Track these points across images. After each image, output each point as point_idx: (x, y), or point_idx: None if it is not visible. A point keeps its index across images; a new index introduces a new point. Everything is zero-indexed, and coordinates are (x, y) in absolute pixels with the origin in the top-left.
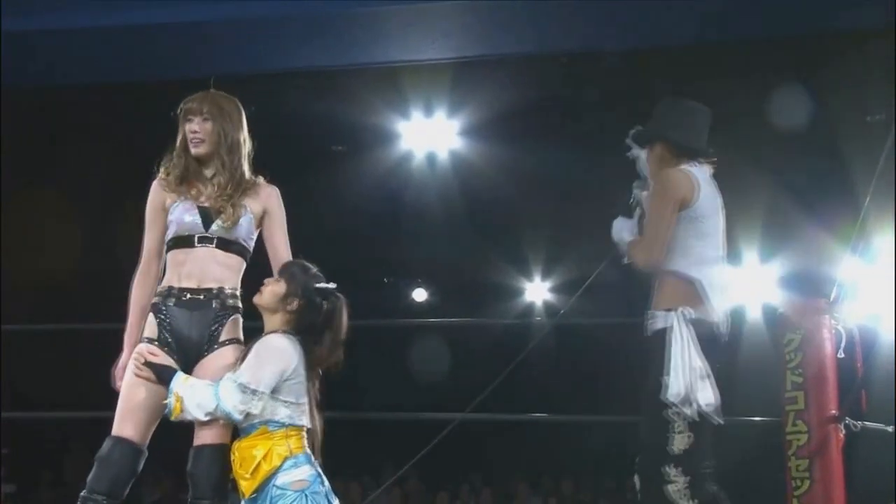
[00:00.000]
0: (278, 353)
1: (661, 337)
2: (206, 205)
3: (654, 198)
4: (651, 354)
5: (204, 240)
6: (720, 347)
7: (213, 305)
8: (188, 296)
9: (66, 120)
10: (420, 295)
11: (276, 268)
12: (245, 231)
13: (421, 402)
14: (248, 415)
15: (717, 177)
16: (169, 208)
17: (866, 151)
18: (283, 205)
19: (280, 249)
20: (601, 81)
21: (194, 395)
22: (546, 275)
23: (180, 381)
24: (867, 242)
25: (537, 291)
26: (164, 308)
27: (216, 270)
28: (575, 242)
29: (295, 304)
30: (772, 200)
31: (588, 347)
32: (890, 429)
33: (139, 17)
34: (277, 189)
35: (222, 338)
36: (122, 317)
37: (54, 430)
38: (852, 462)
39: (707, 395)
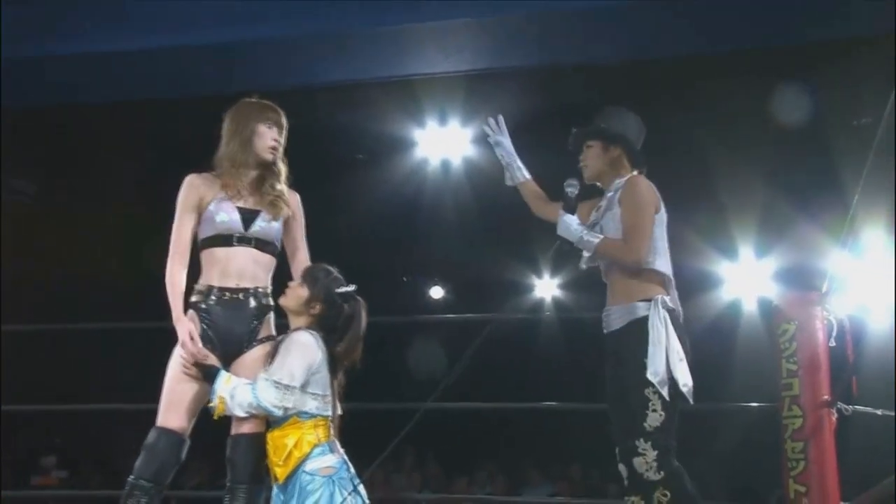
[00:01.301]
0: (305, 348)
1: (643, 324)
2: (247, 205)
3: (634, 201)
4: (631, 341)
5: (242, 240)
6: (684, 332)
7: (251, 304)
8: (228, 295)
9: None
10: (437, 292)
11: (294, 268)
12: (278, 233)
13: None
14: (284, 408)
15: (715, 175)
16: (206, 205)
17: (855, 152)
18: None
19: (301, 251)
20: (604, 90)
21: (236, 396)
22: (554, 274)
23: (223, 383)
24: (856, 237)
25: (546, 288)
26: (205, 306)
27: (253, 270)
28: (565, 248)
29: (317, 308)
30: (767, 199)
31: (593, 340)
32: (879, 412)
33: (174, 39)
34: (298, 195)
35: (260, 335)
36: (155, 316)
37: (101, 421)
38: (844, 444)
39: (684, 377)
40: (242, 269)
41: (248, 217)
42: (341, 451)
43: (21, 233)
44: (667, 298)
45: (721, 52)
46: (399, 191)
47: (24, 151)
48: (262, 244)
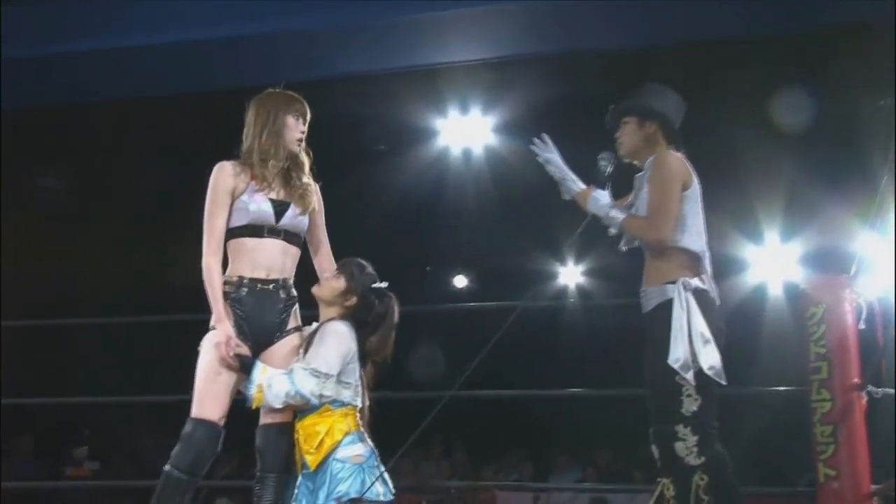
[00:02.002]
0: (341, 337)
1: (668, 307)
2: (277, 197)
3: (660, 177)
4: (658, 325)
5: (273, 231)
6: (718, 312)
7: (281, 295)
8: (259, 286)
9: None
10: (461, 281)
11: (319, 259)
12: (305, 225)
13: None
14: (321, 396)
15: (741, 158)
16: (238, 194)
17: (883, 132)
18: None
19: (325, 243)
20: (626, 76)
21: (273, 386)
22: (578, 259)
23: (259, 373)
24: (885, 218)
25: (570, 275)
26: (236, 297)
27: (282, 261)
28: (604, 229)
29: (352, 301)
30: (793, 181)
31: (616, 326)
32: None
33: (194, 34)
34: (317, 187)
35: (289, 326)
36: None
37: (129, 413)
38: (874, 427)
39: (710, 359)
40: (271, 260)
41: (280, 209)
42: (368, 440)
43: (50, 229)
44: (691, 280)
45: (746, 36)
46: (421, 180)
47: (50, 150)
48: (290, 236)
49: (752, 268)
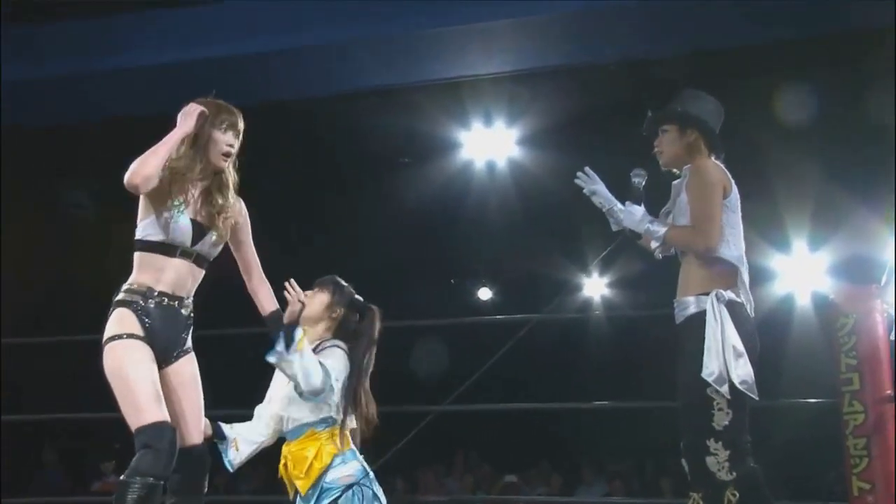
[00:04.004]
0: (342, 356)
1: (701, 319)
2: (197, 218)
3: (700, 185)
4: (690, 337)
5: (185, 254)
6: (752, 326)
7: (184, 313)
8: (166, 301)
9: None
10: (485, 294)
11: (250, 281)
12: (218, 251)
13: (489, 393)
14: (317, 395)
15: (768, 166)
16: (162, 203)
17: None
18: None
19: (255, 263)
20: (645, 86)
21: (306, 355)
22: (603, 271)
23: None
24: None
25: (595, 287)
26: (145, 307)
27: (188, 283)
28: (629, 239)
29: (338, 312)
30: (821, 189)
31: (643, 338)
32: None
33: (220, 51)
34: (243, 202)
35: (187, 345)
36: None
37: None
38: None
39: (742, 373)
40: (179, 280)
41: (198, 233)
42: (360, 457)
43: (80, 242)
44: (725, 292)
45: (770, 41)
46: (445, 193)
47: (77, 165)
48: (201, 260)
49: (779, 278)
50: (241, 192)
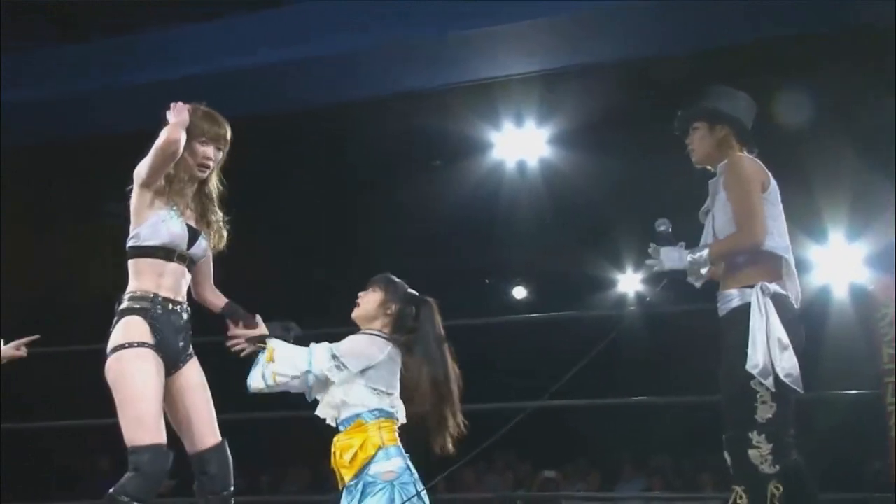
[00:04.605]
0: (366, 339)
1: (745, 312)
2: (191, 223)
3: (738, 181)
4: (733, 329)
5: (180, 258)
6: (797, 319)
7: (185, 318)
8: (171, 306)
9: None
10: (520, 293)
11: (202, 289)
12: (207, 257)
13: (522, 391)
14: (328, 383)
15: (805, 160)
16: (156, 209)
17: None
18: None
19: (210, 274)
20: (686, 84)
21: (286, 351)
22: (638, 266)
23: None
24: None
25: (630, 282)
26: (154, 314)
27: (183, 287)
28: (664, 235)
29: (393, 308)
30: (857, 179)
31: (676, 333)
32: None
33: (257, 59)
34: None
35: (190, 349)
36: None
37: None
38: None
39: (787, 366)
40: (177, 284)
41: (192, 237)
42: (405, 455)
43: (118, 250)
44: (770, 284)
45: (811, 33)
46: (477, 193)
47: (113, 177)
48: (192, 264)
49: (816, 269)
50: (277, 193)
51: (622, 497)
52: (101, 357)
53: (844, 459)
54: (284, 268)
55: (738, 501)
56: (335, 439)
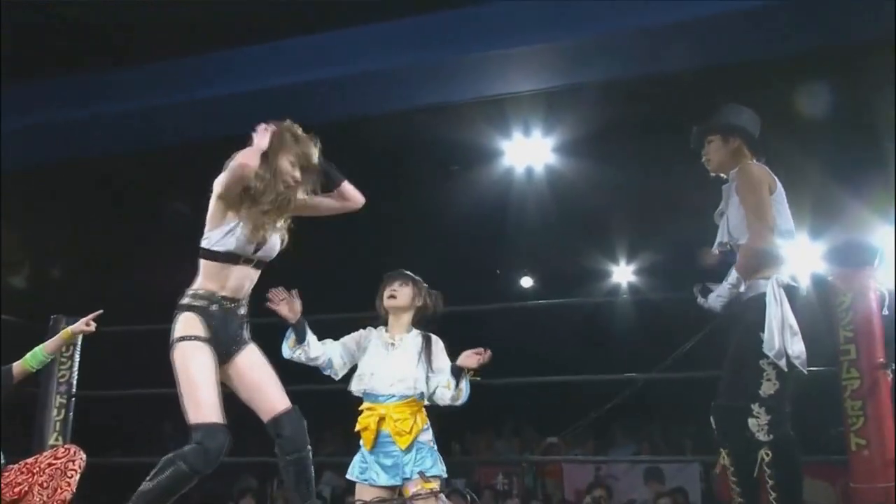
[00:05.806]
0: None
1: (761, 300)
2: (264, 231)
3: (748, 187)
4: (750, 315)
5: (247, 260)
6: (801, 307)
7: (241, 312)
8: (227, 304)
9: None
10: (527, 282)
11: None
12: (275, 254)
13: (528, 370)
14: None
15: (778, 168)
16: (229, 219)
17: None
18: None
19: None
20: (673, 100)
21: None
22: (630, 259)
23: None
24: None
25: (623, 274)
26: (209, 310)
27: (247, 286)
28: (653, 233)
29: (420, 301)
30: (820, 186)
31: (666, 318)
32: None
33: (296, 77)
34: None
35: (244, 338)
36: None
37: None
38: None
39: (797, 350)
40: (240, 284)
41: (260, 243)
42: None
43: (183, 246)
44: (783, 277)
45: (778, 56)
46: (490, 195)
47: (180, 180)
48: (259, 265)
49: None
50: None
51: (613, 459)
52: (159, 336)
53: (807, 426)
54: (323, 261)
55: (723, 461)
56: (383, 408)
